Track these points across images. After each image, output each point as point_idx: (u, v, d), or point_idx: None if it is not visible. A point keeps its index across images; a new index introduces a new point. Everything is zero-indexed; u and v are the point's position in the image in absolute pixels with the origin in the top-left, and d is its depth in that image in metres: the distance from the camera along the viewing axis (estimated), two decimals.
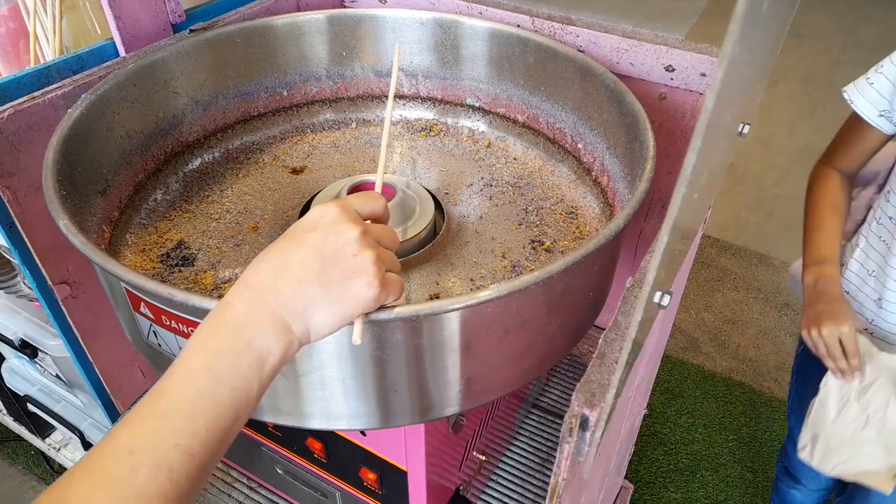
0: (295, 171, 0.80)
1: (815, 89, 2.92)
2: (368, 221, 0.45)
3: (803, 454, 0.97)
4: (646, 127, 0.62)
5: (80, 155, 0.61)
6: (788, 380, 1.63)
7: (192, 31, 0.75)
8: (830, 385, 0.89)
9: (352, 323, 0.42)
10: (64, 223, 0.49)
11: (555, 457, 0.92)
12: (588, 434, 0.38)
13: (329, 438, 0.69)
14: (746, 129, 0.64)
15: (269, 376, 0.39)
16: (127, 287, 0.49)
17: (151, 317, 0.49)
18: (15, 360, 1.21)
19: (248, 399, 0.37)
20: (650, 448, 1.48)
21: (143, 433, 0.34)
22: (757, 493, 1.40)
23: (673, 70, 0.76)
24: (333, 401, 0.51)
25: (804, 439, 0.96)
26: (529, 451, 0.92)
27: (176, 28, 0.80)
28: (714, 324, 1.78)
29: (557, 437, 0.95)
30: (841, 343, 0.85)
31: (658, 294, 0.44)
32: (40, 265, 0.73)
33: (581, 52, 0.75)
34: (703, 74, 0.75)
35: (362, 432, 0.65)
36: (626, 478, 1.29)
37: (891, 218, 0.88)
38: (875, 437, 0.87)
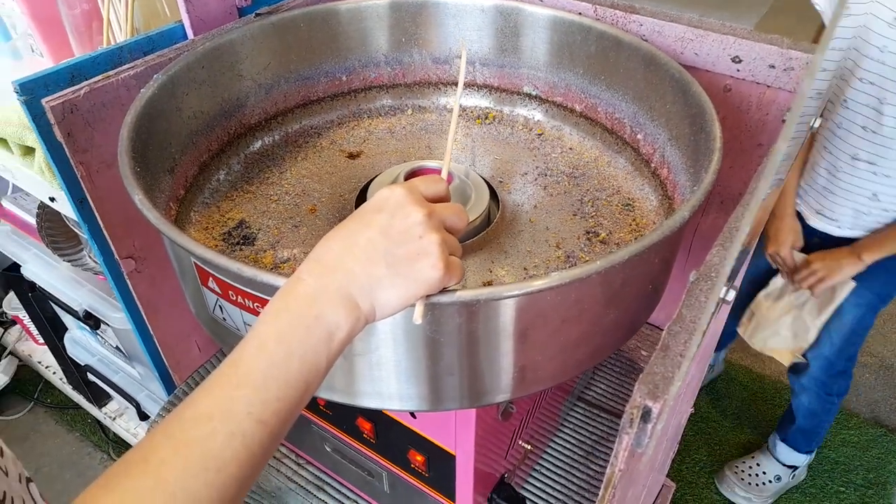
0: (351, 156, 0.81)
1: None
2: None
3: (740, 329, 1.30)
4: (712, 118, 0.60)
5: (151, 133, 0.63)
6: None
7: (257, 14, 0.77)
8: (775, 282, 1.19)
9: (414, 304, 0.42)
10: (139, 198, 0.51)
11: (598, 450, 0.92)
12: (649, 426, 0.37)
13: (379, 419, 0.70)
14: (818, 123, 0.62)
15: (337, 350, 0.40)
16: (196, 261, 0.51)
17: (219, 291, 0.51)
18: (77, 331, 1.27)
19: (316, 371, 0.39)
20: (694, 448, 1.46)
21: (218, 401, 0.36)
22: (803, 497, 1.36)
23: (740, 61, 0.74)
24: (386, 381, 0.52)
25: (744, 318, 1.28)
26: (573, 444, 0.92)
27: (241, 12, 0.82)
28: None
29: (601, 431, 0.94)
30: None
31: (724, 289, 0.44)
32: (109, 240, 0.76)
33: (645, 41, 0.74)
34: (772, 66, 0.73)
35: (412, 414, 0.65)
36: (668, 476, 1.27)
37: (834, 132, 1.03)
38: (790, 324, 1.16)
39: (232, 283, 0.49)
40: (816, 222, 1.13)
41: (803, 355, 1.23)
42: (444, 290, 0.43)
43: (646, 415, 0.37)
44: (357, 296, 0.40)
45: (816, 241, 1.13)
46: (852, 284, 1.11)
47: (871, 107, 0.97)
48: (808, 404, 1.29)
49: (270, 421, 0.37)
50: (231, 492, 0.35)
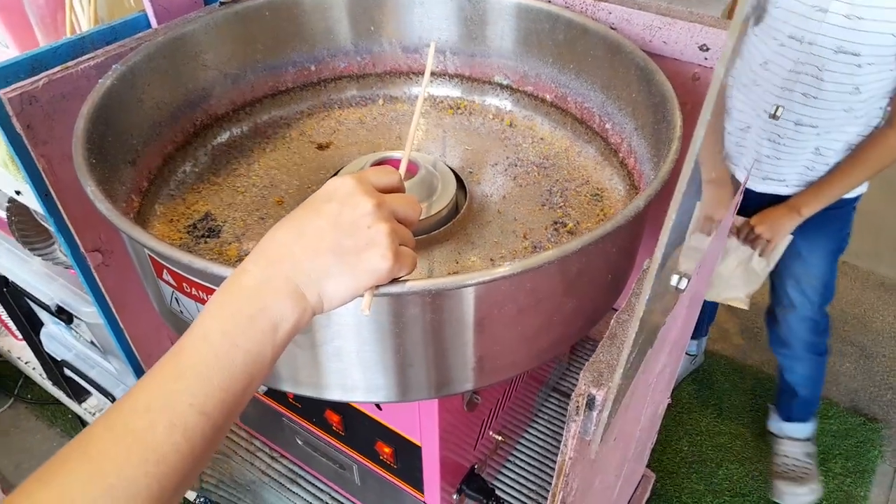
0: (321, 147, 0.80)
1: None
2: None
3: None
4: (674, 106, 0.60)
5: (110, 124, 0.63)
6: None
7: (222, 3, 0.76)
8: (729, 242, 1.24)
9: (363, 295, 0.42)
10: (91, 189, 0.51)
11: None
12: (595, 413, 0.37)
13: (346, 411, 0.70)
14: (780, 112, 0.62)
15: (283, 342, 0.39)
16: (150, 254, 0.50)
17: (173, 284, 0.50)
18: (53, 325, 1.26)
19: (261, 363, 0.38)
20: (675, 438, 1.46)
21: (160, 392, 0.36)
22: None
23: (707, 49, 0.74)
24: (350, 372, 0.52)
25: None
26: (548, 435, 0.92)
27: (207, 1, 0.81)
28: (747, 315, 1.74)
29: None
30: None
31: (676, 277, 0.43)
32: (74, 233, 0.75)
33: (613, 29, 0.74)
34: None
35: (378, 406, 0.65)
36: (648, 466, 1.28)
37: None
38: (741, 276, 1.22)
39: (185, 274, 0.48)
40: (765, 187, 1.17)
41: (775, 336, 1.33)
42: (394, 281, 0.43)
43: (590, 402, 0.37)
44: (303, 287, 0.40)
45: (766, 203, 1.17)
46: (790, 238, 1.18)
47: (811, 74, 1.01)
48: (804, 372, 1.33)
49: (213, 413, 0.36)
50: (172, 483, 0.35)
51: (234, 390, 0.37)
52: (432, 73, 0.87)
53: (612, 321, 0.40)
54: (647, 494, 1.27)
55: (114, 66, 0.65)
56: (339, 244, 0.40)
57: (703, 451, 1.45)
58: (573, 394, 0.37)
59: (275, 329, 0.39)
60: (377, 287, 0.42)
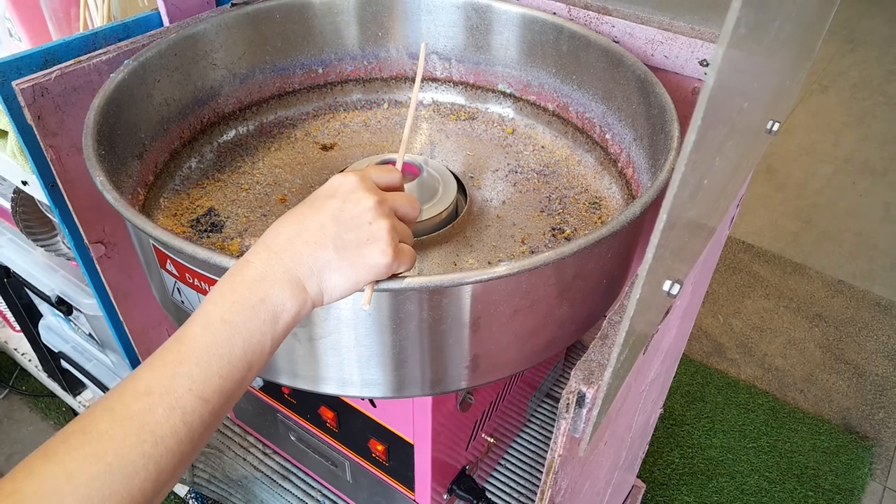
0: (325, 148, 0.81)
1: (865, 97, 2.83)
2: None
3: None
4: (672, 118, 0.61)
5: (119, 118, 0.64)
6: (815, 392, 1.60)
7: (233, 4, 0.77)
8: None
9: (363, 289, 0.43)
10: (100, 180, 0.52)
11: None
12: (584, 411, 0.38)
13: (341, 408, 0.71)
14: (776, 127, 0.63)
15: (283, 333, 0.40)
16: (154, 243, 0.51)
17: (176, 274, 0.51)
18: (51, 317, 1.26)
19: (260, 352, 0.39)
20: (666, 450, 1.47)
21: (160, 377, 0.37)
22: (772, 502, 1.38)
23: (707, 65, 0.75)
24: (346, 367, 0.53)
25: None
26: (539, 440, 0.93)
27: (219, 2, 0.82)
28: (742, 330, 1.75)
29: None
30: None
31: (668, 283, 0.45)
32: (78, 224, 0.76)
33: (616, 42, 0.75)
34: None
35: (372, 403, 0.66)
36: (638, 477, 1.28)
37: None
38: None
39: (188, 265, 0.50)
40: None
41: None
42: (393, 277, 0.44)
43: (580, 399, 0.38)
44: (304, 279, 0.41)
45: None
46: None
47: None
48: None
49: (212, 398, 0.37)
50: (169, 465, 0.36)
51: (233, 377, 0.38)
52: (437, 80, 0.88)
53: (605, 322, 0.42)
54: None
55: (126, 62, 0.66)
56: (341, 238, 0.42)
57: (695, 463, 1.45)
58: (563, 391, 0.38)
59: (275, 319, 0.40)
60: (377, 282, 0.43)
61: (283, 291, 0.40)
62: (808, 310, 1.82)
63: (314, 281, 0.41)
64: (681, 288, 0.46)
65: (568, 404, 0.38)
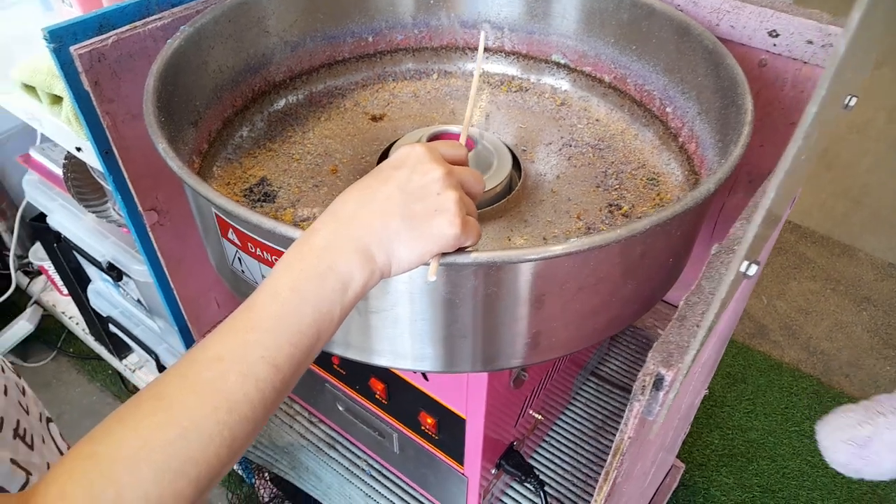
0: (374, 119, 0.80)
1: None
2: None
3: None
4: (745, 92, 0.59)
5: (176, 85, 0.63)
6: (861, 377, 1.56)
7: None
8: None
9: (429, 262, 0.42)
10: (163, 147, 0.51)
11: (609, 425, 0.92)
12: (661, 394, 0.37)
13: (392, 380, 0.71)
14: (853, 102, 0.60)
15: (351, 302, 0.40)
16: (217, 212, 0.51)
17: (238, 243, 0.51)
18: (100, 282, 1.29)
19: (329, 320, 0.39)
20: (706, 431, 1.45)
21: (232, 344, 0.36)
22: (814, 487, 1.36)
23: (777, 35, 0.72)
24: (401, 340, 0.53)
25: None
26: (584, 418, 0.92)
27: None
28: (786, 312, 1.71)
29: (613, 406, 0.94)
30: None
31: (745, 263, 0.43)
32: (133, 191, 0.77)
33: (679, 10, 0.72)
34: (810, 42, 0.70)
35: (425, 376, 0.66)
36: (678, 457, 1.27)
37: None
38: None
39: (251, 234, 0.49)
40: None
41: None
42: (459, 250, 0.43)
43: (658, 382, 0.37)
44: (373, 249, 0.40)
45: None
46: None
47: None
48: None
49: (283, 366, 0.37)
50: (244, 431, 0.36)
51: (303, 345, 0.38)
52: (489, 49, 0.86)
53: (682, 303, 0.40)
54: (676, 484, 1.26)
55: (181, 28, 0.66)
56: (409, 208, 0.41)
57: (735, 445, 1.43)
58: (640, 373, 0.37)
59: (344, 288, 0.39)
60: (443, 254, 0.42)
61: (351, 261, 0.39)
62: (856, 293, 1.77)
63: (382, 251, 0.40)
64: (758, 269, 0.44)
65: (644, 386, 0.37)
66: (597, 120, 0.80)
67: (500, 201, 0.66)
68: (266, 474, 1.14)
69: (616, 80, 0.79)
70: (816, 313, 1.72)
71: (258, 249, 0.50)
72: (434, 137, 0.66)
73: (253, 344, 0.37)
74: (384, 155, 0.73)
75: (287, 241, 0.45)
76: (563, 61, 0.83)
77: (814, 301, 1.76)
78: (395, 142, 0.71)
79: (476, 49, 0.86)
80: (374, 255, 0.40)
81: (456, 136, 0.66)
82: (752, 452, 1.42)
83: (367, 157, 0.74)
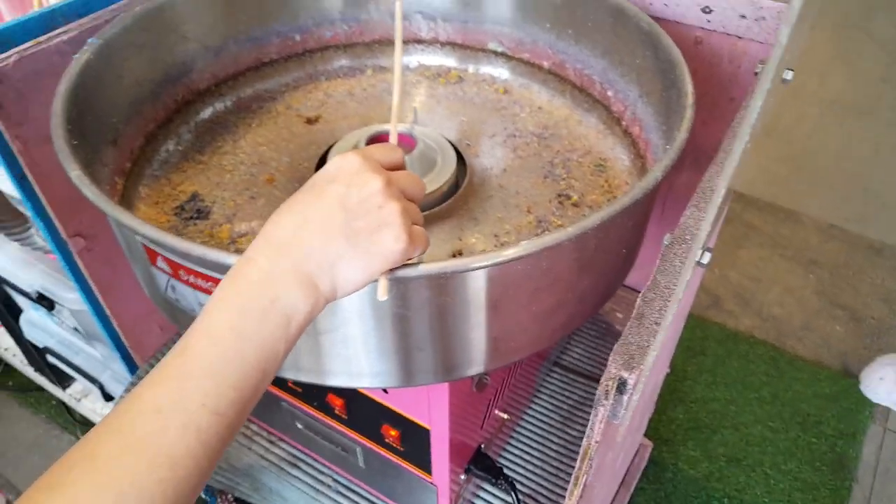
0: (309, 121, 0.77)
1: (849, 36, 2.79)
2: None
3: None
4: (683, 73, 0.58)
5: (89, 103, 0.59)
6: (813, 339, 1.61)
7: None
8: None
9: (377, 280, 0.40)
10: (76, 174, 0.47)
11: (576, 415, 0.91)
12: (625, 397, 0.36)
13: (350, 395, 0.68)
14: (790, 76, 0.60)
15: (296, 335, 0.37)
16: (143, 241, 0.47)
17: (169, 271, 0.47)
18: (33, 312, 1.21)
19: (274, 358, 0.36)
20: (670, 406, 1.47)
21: (169, 393, 0.33)
22: (777, 451, 1.39)
23: (710, 11, 0.71)
24: (356, 359, 0.50)
25: None
26: (550, 409, 0.91)
27: None
28: (738, 281, 1.75)
29: (578, 396, 0.93)
30: None
31: (699, 252, 0.42)
32: (54, 218, 0.72)
33: None
34: (743, 16, 0.70)
35: (384, 390, 0.63)
36: (645, 435, 1.28)
37: None
38: None
39: (182, 262, 0.46)
40: None
41: None
42: (407, 263, 0.41)
43: (621, 386, 0.35)
44: (315, 275, 0.37)
45: None
46: None
47: None
48: None
49: (227, 412, 0.34)
50: (187, 487, 0.33)
51: (247, 387, 0.35)
52: (422, 41, 0.83)
53: (639, 300, 0.39)
54: (645, 463, 1.27)
55: (89, 41, 0.61)
56: (350, 227, 0.38)
57: (699, 418, 1.46)
58: (602, 378, 0.35)
59: (287, 322, 0.36)
60: (392, 270, 0.40)
61: (293, 291, 0.36)
62: (803, 256, 1.82)
63: (326, 276, 0.37)
64: (710, 256, 0.43)
65: (607, 391, 0.35)
66: (539, 108, 0.78)
67: (447, 201, 0.64)
68: (229, 496, 1.10)
69: (555, 65, 0.78)
70: (767, 280, 1.77)
71: (191, 277, 0.46)
72: (373, 139, 0.63)
73: (192, 391, 0.33)
74: (322, 159, 0.69)
75: (220, 267, 0.42)
76: (500, 49, 0.81)
77: (763, 268, 1.80)
78: (332, 145, 0.68)
79: (410, 41, 0.83)
80: (318, 281, 0.37)
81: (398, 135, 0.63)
82: (715, 423, 1.45)
83: (305, 163, 0.70)
